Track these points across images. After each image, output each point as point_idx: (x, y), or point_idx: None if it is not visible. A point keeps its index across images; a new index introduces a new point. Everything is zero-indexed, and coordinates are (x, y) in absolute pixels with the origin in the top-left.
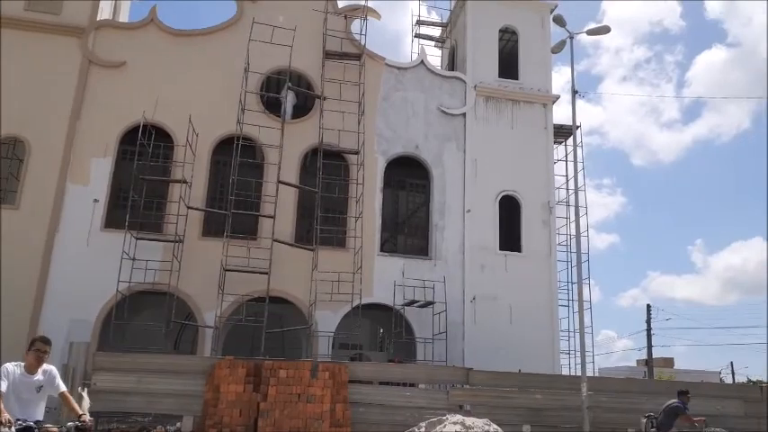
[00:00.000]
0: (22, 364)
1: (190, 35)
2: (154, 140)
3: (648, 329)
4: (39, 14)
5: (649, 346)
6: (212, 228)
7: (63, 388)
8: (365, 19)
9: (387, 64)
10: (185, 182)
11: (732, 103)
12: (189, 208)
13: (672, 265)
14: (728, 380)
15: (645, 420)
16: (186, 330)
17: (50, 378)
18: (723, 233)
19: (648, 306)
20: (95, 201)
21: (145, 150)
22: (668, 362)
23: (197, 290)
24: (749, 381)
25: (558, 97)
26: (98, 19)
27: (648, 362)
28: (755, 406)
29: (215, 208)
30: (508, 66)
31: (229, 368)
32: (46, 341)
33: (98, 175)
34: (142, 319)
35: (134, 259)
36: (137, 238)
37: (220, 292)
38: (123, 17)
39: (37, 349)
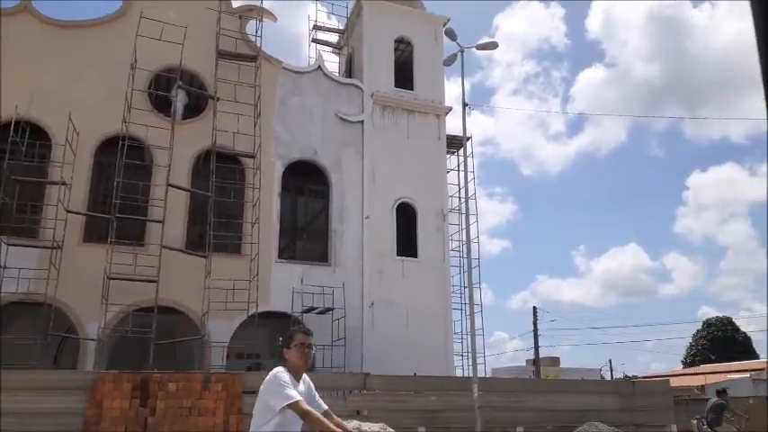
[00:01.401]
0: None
1: (70, 27)
2: (28, 138)
3: (535, 330)
4: None
5: (536, 347)
6: (95, 233)
7: (325, 406)
8: (260, 20)
9: (284, 67)
10: (64, 183)
11: (609, 119)
12: (68, 212)
13: (557, 268)
14: (608, 376)
15: (696, 422)
16: (67, 344)
17: (310, 388)
18: (603, 239)
19: (534, 309)
20: None
21: (18, 149)
22: (554, 361)
23: (78, 300)
24: (625, 376)
25: (450, 109)
26: None
27: (536, 361)
28: (628, 400)
29: (98, 212)
30: (403, 76)
31: (113, 382)
32: (309, 333)
33: None
34: (15, 332)
35: (4, 267)
36: (7, 244)
37: (104, 301)
38: None
39: (301, 344)
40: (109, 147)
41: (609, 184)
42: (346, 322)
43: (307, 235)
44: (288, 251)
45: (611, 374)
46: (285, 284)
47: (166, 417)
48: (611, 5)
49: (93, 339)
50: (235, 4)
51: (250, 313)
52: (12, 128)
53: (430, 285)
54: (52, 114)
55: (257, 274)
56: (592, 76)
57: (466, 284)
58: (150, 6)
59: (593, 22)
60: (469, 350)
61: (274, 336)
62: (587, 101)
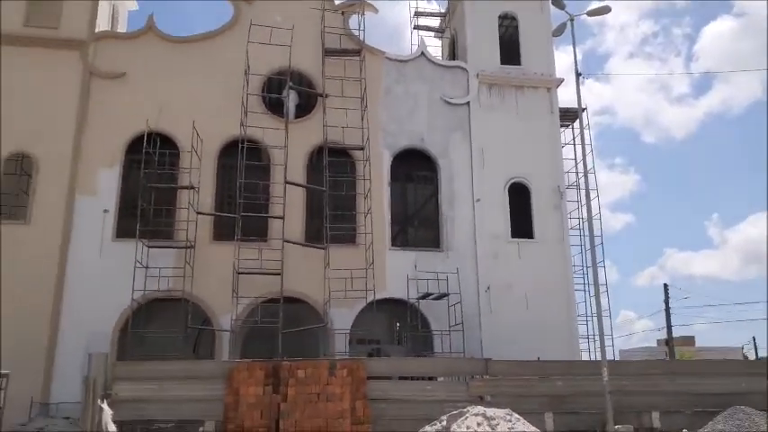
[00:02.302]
0: None
1: (188, 41)
2: (159, 148)
3: (667, 309)
4: (38, 30)
5: (669, 326)
6: (223, 231)
7: None
8: (363, 14)
9: (387, 58)
10: (193, 187)
11: (743, 74)
12: (198, 213)
13: (688, 241)
14: (752, 356)
15: None
16: (203, 335)
17: None
18: (739, 206)
19: (666, 285)
20: (105, 211)
21: (151, 158)
22: (689, 341)
23: (211, 294)
24: None
25: (562, 80)
26: (96, 30)
27: (669, 342)
28: None
29: (224, 212)
30: (510, 52)
31: (248, 371)
32: None
33: (106, 185)
34: (159, 326)
35: (147, 267)
36: (148, 247)
37: (234, 295)
38: (121, 27)
39: None
40: (230, 150)
41: (745, 146)
42: (463, 307)
43: (418, 221)
44: (400, 238)
45: (756, 353)
46: (400, 271)
47: (297, 402)
48: None
49: (226, 330)
50: (336, 1)
51: (368, 300)
52: (145, 140)
53: (549, 266)
54: (178, 124)
55: (372, 262)
56: (718, 29)
57: (588, 264)
58: (258, 13)
59: None
60: (595, 332)
61: (392, 321)
62: (715, 57)
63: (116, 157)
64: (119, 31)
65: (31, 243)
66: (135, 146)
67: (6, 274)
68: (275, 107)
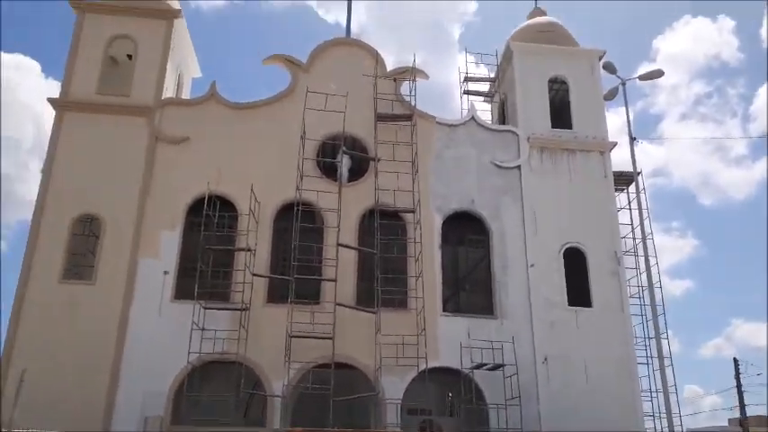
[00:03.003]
0: None
1: (248, 108)
2: (219, 210)
3: (739, 386)
4: (109, 97)
5: (742, 405)
6: (276, 294)
7: None
8: (414, 80)
9: (438, 122)
10: (249, 249)
11: None
12: (254, 275)
13: (757, 310)
14: None
15: None
16: (255, 399)
17: None
18: None
19: (736, 360)
20: (165, 273)
21: (210, 221)
22: (763, 421)
23: (264, 358)
24: None
25: (615, 144)
26: (163, 97)
27: (743, 422)
28: None
29: (278, 274)
30: (560, 115)
31: None
32: None
33: (167, 247)
34: (213, 388)
35: (203, 329)
36: (205, 308)
37: (287, 359)
38: (185, 93)
39: None
40: (285, 213)
41: None
42: (519, 379)
43: (470, 286)
44: (452, 303)
45: None
46: (452, 338)
47: None
48: None
49: (278, 396)
50: (388, 67)
51: (420, 369)
52: (205, 202)
53: (609, 337)
54: (237, 187)
55: (424, 328)
56: None
57: (649, 334)
58: (314, 80)
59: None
60: (661, 409)
61: (445, 391)
62: None
63: (177, 219)
64: (183, 97)
65: (95, 302)
66: (195, 208)
67: (70, 332)
68: (329, 171)
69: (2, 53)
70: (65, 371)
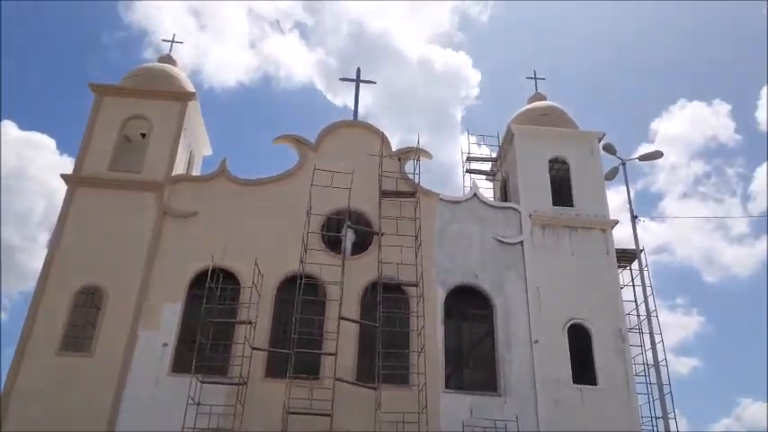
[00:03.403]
0: None
1: (256, 184)
2: (221, 283)
3: None
4: (121, 174)
5: None
6: (276, 368)
7: None
8: (418, 160)
9: (441, 199)
10: (250, 322)
11: None
12: (253, 349)
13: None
14: None
15: None
16: None
17: None
18: None
19: None
20: (164, 345)
21: (213, 293)
22: None
23: None
24: None
25: (616, 222)
26: (173, 174)
27: None
28: None
29: (278, 347)
30: (561, 193)
31: None
32: None
33: (168, 319)
34: None
35: (199, 404)
36: (202, 382)
37: None
38: (196, 170)
39: None
40: (287, 285)
41: None
42: None
43: (473, 362)
44: (454, 379)
45: None
46: (455, 416)
47: None
48: None
49: None
50: (393, 148)
51: None
52: (209, 275)
53: (615, 415)
54: (241, 260)
55: (426, 405)
56: None
57: (656, 414)
58: (322, 158)
59: (765, 114)
60: None
61: None
62: None
63: (180, 292)
64: (193, 173)
65: (92, 374)
66: (198, 281)
67: (64, 405)
68: (333, 245)
69: (18, 130)
70: None
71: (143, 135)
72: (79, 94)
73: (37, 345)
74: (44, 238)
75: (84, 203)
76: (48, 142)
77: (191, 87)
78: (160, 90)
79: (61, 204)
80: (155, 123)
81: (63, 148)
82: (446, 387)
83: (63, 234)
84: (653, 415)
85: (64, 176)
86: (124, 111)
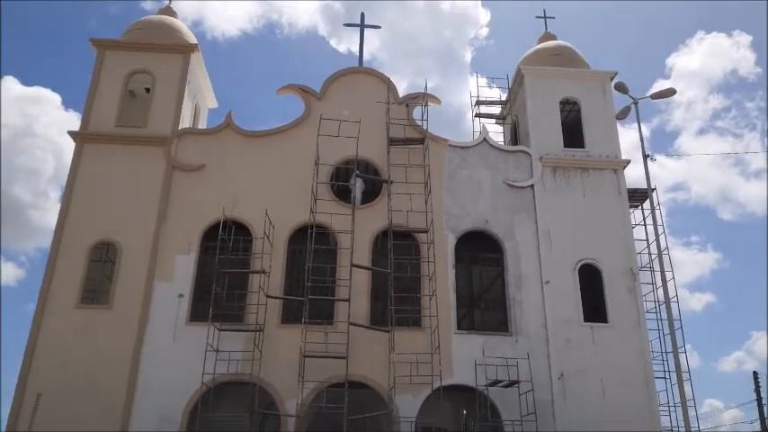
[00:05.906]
0: None
1: (262, 135)
2: (234, 235)
3: (759, 399)
4: (127, 129)
5: (762, 418)
6: (291, 315)
7: None
8: (426, 105)
9: (450, 144)
10: (264, 272)
11: None
12: (268, 297)
13: None
14: None
15: None
16: (268, 419)
17: None
18: None
19: (755, 374)
20: (180, 296)
21: (225, 245)
22: None
23: (278, 378)
24: None
25: (628, 162)
26: (180, 127)
27: None
28: None
29: (292, 295)
30: (573, 135)
31: None
32: None
33: (182, 271)
34: (227, 409)
35: (218, 351)
36: (220, 330)
37: (300, 379)
38: (202, 123)
39: None
40: (299, 235)
41: None
42: (535, 395)
43: (484, 304)
44: (466, 321)
45: None
46: (467, 356)
47: None
48: None
49: (292, 416)
50: (401, 93)
51: (434, 387)
52: (220, 227)
53: (625, 352)
54: (252, 212)
55: (438, 346)
56: None
57: (667, 349)
58: (328, 107)
59: None
60: (680, 424)
61: (459, 409)
62: None
63: (193, 244)
64: (200, 127)
65: (112, 326)
66: (210, 233)
67: (86, 356)
68: (343, 194)
69: (22, 86)
70: (80, 395)
71: (147, 90)
72: (80, 49)
73: (57, 298)
74: (55, 194)
75: (92, 159)
76: (52, 97)
77: (193, 39)
78: (162, 43)
79: (70, 161)
80: (158, 77)
81: (68, 103)
82: (458, 328)
83: (74, 191)
84: (663, 350)
85: (71, 133)
86: (127, 65)
